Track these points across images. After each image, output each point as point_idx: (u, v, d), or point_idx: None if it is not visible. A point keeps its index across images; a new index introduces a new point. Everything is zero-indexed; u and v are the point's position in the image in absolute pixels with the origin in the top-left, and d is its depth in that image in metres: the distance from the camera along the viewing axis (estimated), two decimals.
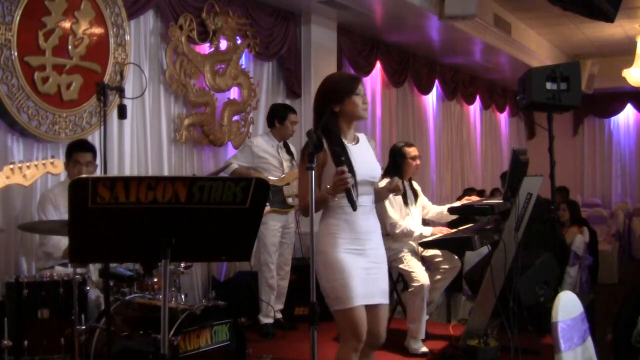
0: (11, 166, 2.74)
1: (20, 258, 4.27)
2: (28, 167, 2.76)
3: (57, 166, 2.88)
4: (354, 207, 2.79)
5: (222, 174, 5.15)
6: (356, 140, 3.05)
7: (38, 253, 4.02)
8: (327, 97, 2.97)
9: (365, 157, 2.99)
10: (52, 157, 2.95)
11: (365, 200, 2.97)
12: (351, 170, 2.83)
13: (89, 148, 4.04)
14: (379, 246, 3.03)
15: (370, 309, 2.92)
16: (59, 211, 3.88)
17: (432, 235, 4.67)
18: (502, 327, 4.18)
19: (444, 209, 4.93)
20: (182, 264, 3.71)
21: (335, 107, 2.95)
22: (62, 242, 3.76)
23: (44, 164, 2.81)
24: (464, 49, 8.63)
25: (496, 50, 8.66)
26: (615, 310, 3.60)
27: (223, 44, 5.63)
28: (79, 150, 3.98)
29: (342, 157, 2.78)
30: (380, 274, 2.99)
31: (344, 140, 2.96)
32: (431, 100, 9.60)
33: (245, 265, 5.57)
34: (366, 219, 2.97)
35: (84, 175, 2.63)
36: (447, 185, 10.00)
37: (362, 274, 2.89)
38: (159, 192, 2.04)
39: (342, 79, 3.08)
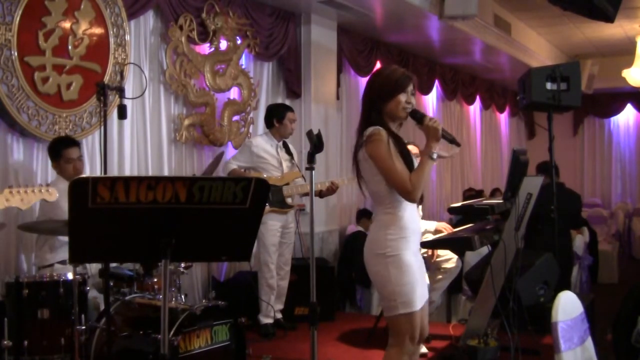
0: (10, 190, 2.94)
1: (20, 258, 4.27)
2: (26, 192, 2.97)
3: (52, 194, 3.05)
4: (457, 142, 2.92)
5: (220, 174, 5.15)
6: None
7: (38, 252, 4.02)
8: (373, 95, 2.94)
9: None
10: (48, 185, 3.14)
11: None
12: (411, 165, 2.85)
13: (76, 142, 4.08)
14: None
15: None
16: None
17: (435, 230, 4.68)
18: (502, 327, 4.18)
19: None
20: (182, 264, 3.71)
21: (380, 104, 2.90)
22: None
23: (40, 191, 3.02)
24: (464, 49, 8.62)
25: (496, 50, 8.66)
26: (615, 310, 3.60)
27: (223, 44, 5.63)
28: (67, 146, 4.00)
29: (417, 113, 2.90)
30: (425, 271, 3.07)
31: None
32: (431, 100, 9.60)
33: (245, 265, 5.57)
34: (419, 218, 3.04)
35: (83, 175, 2.64)
36: (447, 185, 10.00)
37: (420, 274, 2.93)
38: (159, 192, 2.04)
39: (389, 77, 2.94)
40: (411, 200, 2.84)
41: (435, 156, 2.83)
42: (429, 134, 2.85)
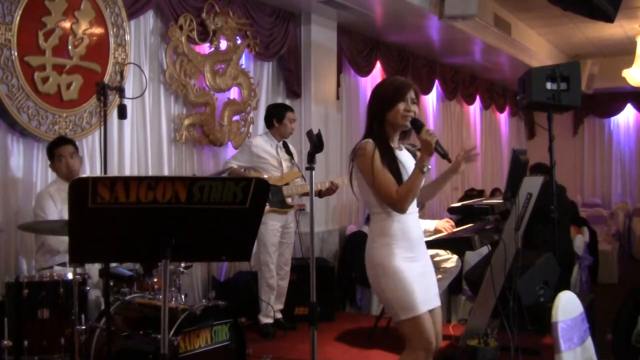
0: None
1: (20, 258, 4.27)
2: None
3: None
4: (447, 157, 2.86)
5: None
6: (400, 148, 3.05)
7: (36, 256, 4.02)
8: (374, 105, 2.97)
9: (410, 163, 2.99)
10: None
11: (415, 207, 2.99)
12: (400, 176, 2.87)
13: (68, 141, 4.08)
14: (425, 250, 3.05)
15: (430, 313, 2.92)
16: (57, 208, 3.89)
17: (435, 229, 4.67)
18: (502, 327, 4.18)
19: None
20: (182, 264, 3.71)
21: (381, 114, 2.93)
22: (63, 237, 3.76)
23: None
24: (464, 49, 8.62)
25: (496, 50, 8.66)
26: (615, 310, 3.61)
27: (223, 44, 5.63)
28: (58, 145, 4.03)
29: (417, 122, 2.88)
30: (433, 277, 3.04)
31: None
32: (431, 100, 9.60)
33: (245, 265, 5.58)
34: (417, 226, 3.00)
35: (83, 175, 2.63)
36: (447, 185, 9.99)
37: (420, 280, 2.90)
38: (159, 192, 2.04)
39: (388, 86, 2.98)
40: (398, 210, 2.87)
41: (426, 169, 2.83)
42: (423, 146, 2.85)
